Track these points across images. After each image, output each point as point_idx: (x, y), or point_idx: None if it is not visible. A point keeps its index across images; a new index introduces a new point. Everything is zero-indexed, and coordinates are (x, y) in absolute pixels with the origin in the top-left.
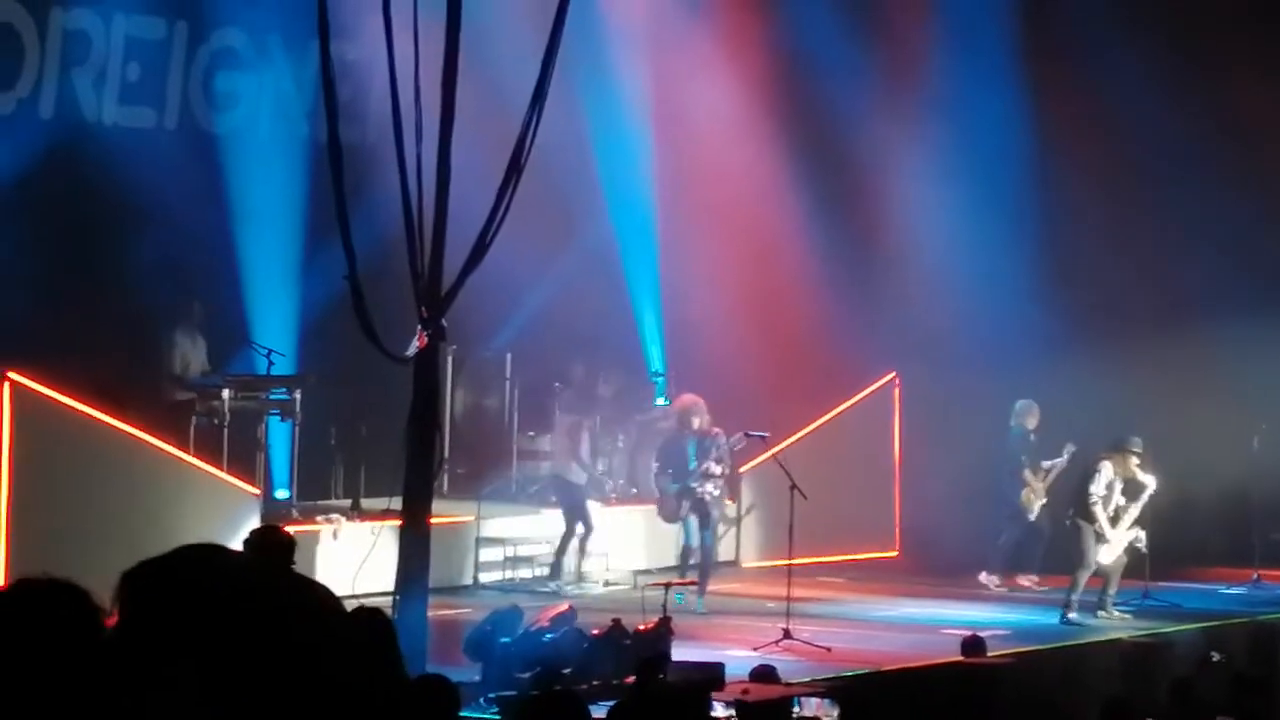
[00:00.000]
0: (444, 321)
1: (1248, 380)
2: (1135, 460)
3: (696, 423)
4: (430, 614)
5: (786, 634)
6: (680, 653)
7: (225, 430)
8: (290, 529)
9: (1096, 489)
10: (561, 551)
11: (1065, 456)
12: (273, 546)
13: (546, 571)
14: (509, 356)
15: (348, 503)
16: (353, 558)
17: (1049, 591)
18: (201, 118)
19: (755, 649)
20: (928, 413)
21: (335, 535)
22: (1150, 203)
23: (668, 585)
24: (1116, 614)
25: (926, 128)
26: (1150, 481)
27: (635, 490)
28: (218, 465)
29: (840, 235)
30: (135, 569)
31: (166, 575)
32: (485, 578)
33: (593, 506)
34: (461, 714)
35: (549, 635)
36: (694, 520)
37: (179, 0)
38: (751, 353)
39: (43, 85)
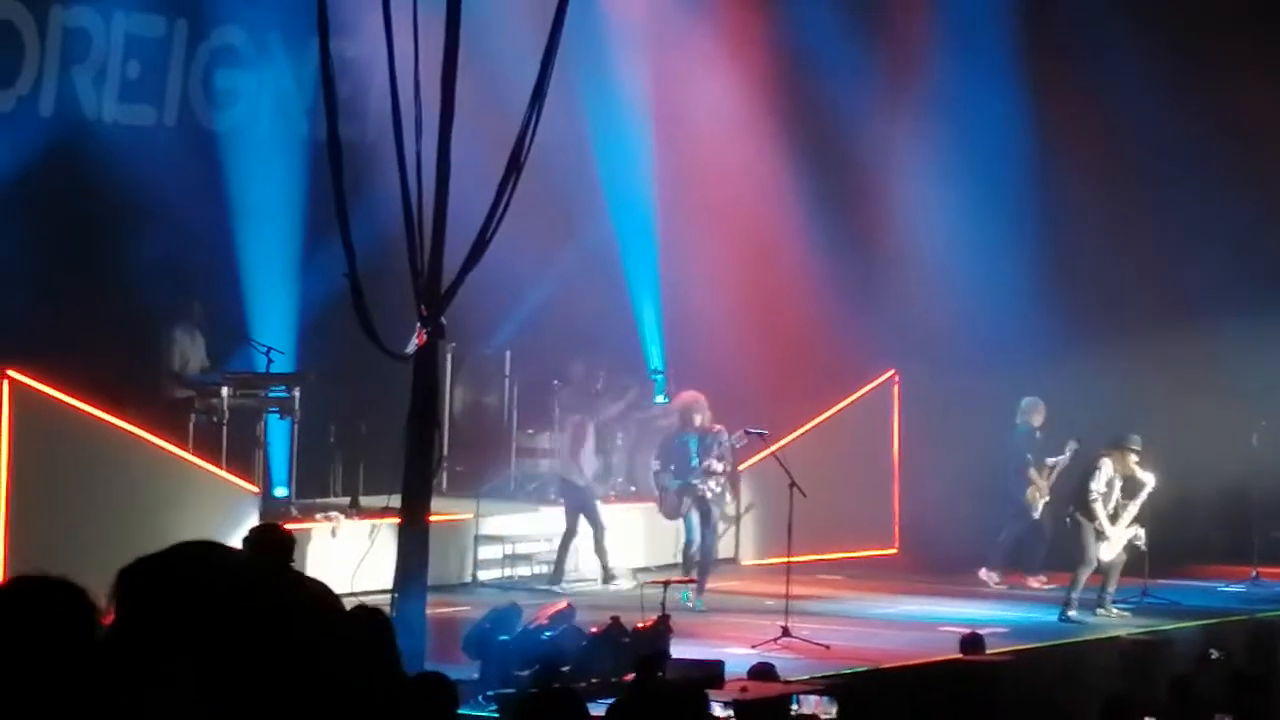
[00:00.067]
0: (443, 319)
1: (1247, 378)
2: (1134, 458)
3: (698, 420)
4: (429, 612)
5: (785, 632)
6: (679, 650)
7: (224, 428)
8: (289, 527)
9: (1096, 486)
10: (563, 553)
11: (1068, 454)
12: (272, 544)
13: (546, 570)
14: (508, 354)
15: (347, 500)
16: (351, 555)
17: (1051, 589)
18: (201, 115)
19: (754, 646)
20: (927, 411)
21: (334, 533)
22: (1150, 203)
23: (666, 583)
24: (1116, 611)
25: (927, 127)
26: (1149, 479)
27: (634, 488)
28: (217, 463)
29: (840, 234)
30: (132, 566)
31: (163, 572)
32: (484, 575)
33: (600, 506)
34: (460, 712)
35: (548, 633)
36: (695, 517)
37: None
38: (751, 351)
39: (43, 83)
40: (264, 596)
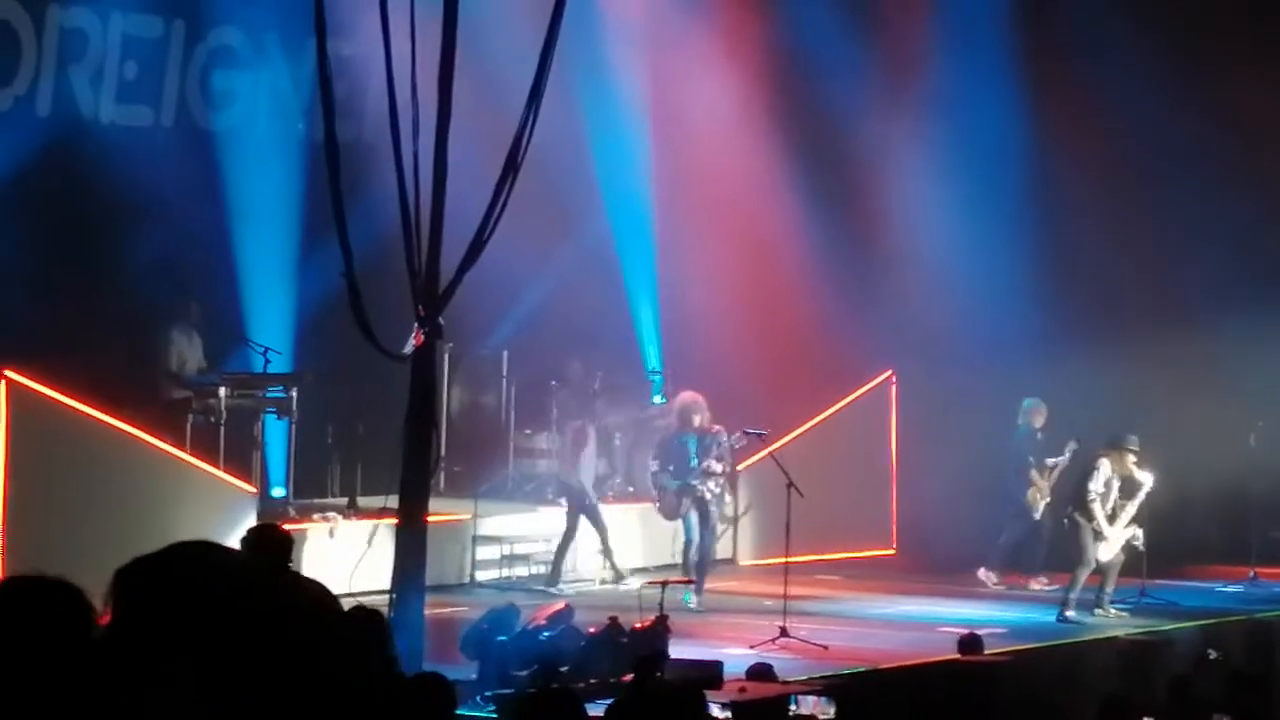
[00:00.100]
0: (441, 319)
1: (1246, 378)
2: (1132, 458)
3: (697, 420)
4: (427, 612)
5: (783, 632)
6: (677, 651)
7: (222, 428)
8: (287, 527)
9: (1094, 486)
10: (560, 555)
11: (1068, 454)
12: (270, 545)
13: (544, 570)
14: (506, 354)
15: (344, 501)
16: (349, 556)
17: (1050, 590)
18: (198, 116)
19: (752, 647)
20: (925, 411)
21: (332, 533)
22: (1150, 203)
23: (664, 584)
24: (1114, 612)
25: (925, 126)
26: (1147, 479)
27: (632, 488)
28: (214, 463)
29: (838, 233)
30: (128, 566)
31: (160, 572)
32: (482, 576)
33: (601, 508)
34: (458, 712)
35: (546, 633)
36: (694, 517)
37: None
38: (748, 350)
39: (40, 83)
40: (261, 597)
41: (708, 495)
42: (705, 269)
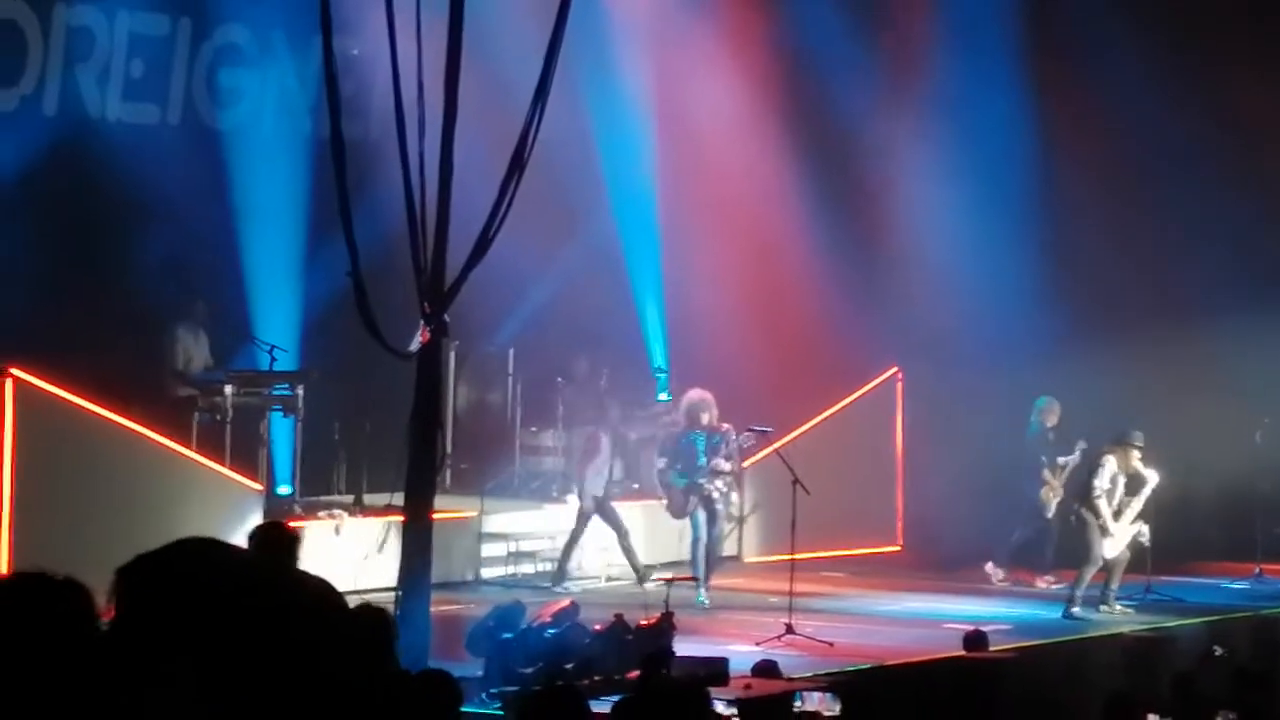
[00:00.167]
0: (446, 317)
1: (1249, 375)
2: (1137, 455)
3: (705, 418)
4: (433, 609)
5: (789, 629)
6: (683, 647)
7: (228, 426)
8: (292, 524)
9: (1100, 483)
10: (566, 554)
11: (1078, 453)
12: (277, 542)
13: (550, 567)
14: (511, 352)
15: (350, 498)
16: (355, 553)
17: (1057, 588)
18: (205, 114)
19: (758, 644)
20: (930, 408)
21: (337, 531)
22: (1150, 202)
23: (670, 580)
24: (1119, 608)
25: (929, 126)
26: (1152, 476)
27: (637, 485)
28: (220, 461)
29: (843, 232)
30: (131, 563)
31: (163, 570)
32: (487, 573)
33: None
34: (463, 709)
35: (551, 630)
36: (702, 515)
37: None
38: (754, 349)
39: (46, 82)
40: (265, 594)
41: (715, 494)
42: (711, 267)
